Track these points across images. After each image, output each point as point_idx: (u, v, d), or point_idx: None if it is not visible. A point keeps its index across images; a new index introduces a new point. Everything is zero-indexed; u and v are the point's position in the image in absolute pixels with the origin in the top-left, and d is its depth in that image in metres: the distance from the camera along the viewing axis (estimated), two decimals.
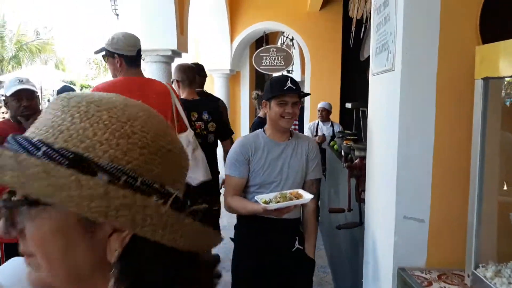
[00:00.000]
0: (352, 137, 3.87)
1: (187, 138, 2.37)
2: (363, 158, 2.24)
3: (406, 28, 1.24)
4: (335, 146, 3.99)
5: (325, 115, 5.41)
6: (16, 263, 0.86)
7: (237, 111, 8.58)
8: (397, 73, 1.28)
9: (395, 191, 1.31)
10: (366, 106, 3.87)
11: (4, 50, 22.46)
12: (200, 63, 3.83)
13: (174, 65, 4.81)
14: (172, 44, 4.60)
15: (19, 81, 2.26)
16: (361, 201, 2.24)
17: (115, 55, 2.21)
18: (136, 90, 2.15)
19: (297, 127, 10.96)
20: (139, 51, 2.31)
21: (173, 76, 3.21)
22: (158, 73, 4.67)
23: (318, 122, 5.46)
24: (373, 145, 1.78)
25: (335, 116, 6.12)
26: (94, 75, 33.18)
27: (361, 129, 4.23)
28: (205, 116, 3.01)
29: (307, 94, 2.18)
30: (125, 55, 2.22)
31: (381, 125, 1.60)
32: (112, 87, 2.16)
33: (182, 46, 4.80)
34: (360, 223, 2.13)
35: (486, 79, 1.03)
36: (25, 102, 2.23)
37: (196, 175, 2.40)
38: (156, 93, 2.27)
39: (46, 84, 16.93)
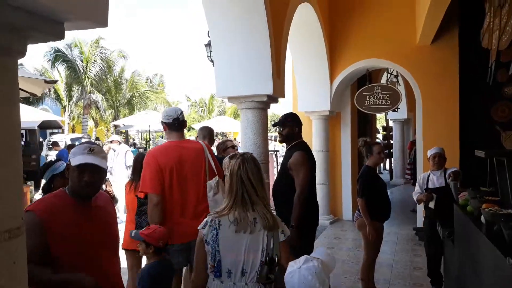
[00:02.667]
0: (491, 198, 3.03)
1: (209, 184, 3.00)
2: None
3: None
4: (469, 207, 3.15)
5: (442, 162, 4.56)
6: (322, 249, 1.90)
7: (337, 155, 7.93)
8: None
9: None
10: (506, 155, 3.04)
11: (121, 96, 25.14)
12: (294, 112, 3.64)
13: (269, 111, 4.49)
14: (268, 89, 4.24)
15: (89, 150, 1.86)
16: None
17: (162, 122, 3.12)
18: (180, 149, 3.00)
19: (410, 176, 10.04)
20: (175, 119, 3.04)
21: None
22: (253, 120, 4.30)
23: (430, 174, 4.58)
24: None
25: (454, 164, 5.12)
26: (200, 116, 35.51)
27: (498, 184, 3.34)
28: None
29: None
30: (166, 122, 3.07)
31: None
32: (164, 149, 3.04)
33: (278, 90, 4.43)
34: None
35: None
36: (88, 177, 1.84)
37: None
38: (193, 149, 3.08)
39: (155, 127, 18.27)
